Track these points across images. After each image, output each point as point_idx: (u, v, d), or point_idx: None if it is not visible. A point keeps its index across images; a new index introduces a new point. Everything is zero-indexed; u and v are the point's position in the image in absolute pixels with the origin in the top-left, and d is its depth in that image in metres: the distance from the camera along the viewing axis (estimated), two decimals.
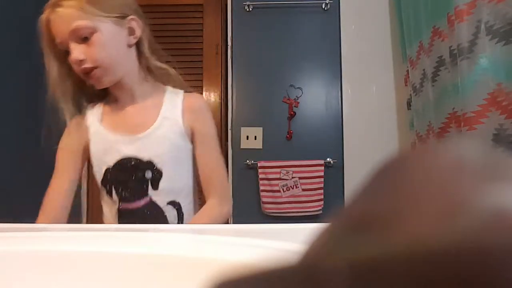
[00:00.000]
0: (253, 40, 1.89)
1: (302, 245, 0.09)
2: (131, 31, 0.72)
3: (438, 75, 1.40)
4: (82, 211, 1.87)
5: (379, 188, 0.09)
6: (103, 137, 0.75)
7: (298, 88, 1.86)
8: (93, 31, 0.66)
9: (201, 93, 1.94)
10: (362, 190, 0.09)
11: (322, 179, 1.75)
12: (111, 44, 0.69)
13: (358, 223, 0.08)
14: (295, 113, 1.84)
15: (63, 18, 0.66)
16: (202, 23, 1.97)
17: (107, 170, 0.74)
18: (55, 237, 0.41)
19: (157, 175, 0.74)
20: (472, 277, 0.06)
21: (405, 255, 0.07)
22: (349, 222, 0.09)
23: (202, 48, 1.96)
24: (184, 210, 0.76)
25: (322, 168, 1.76)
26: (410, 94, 1.67)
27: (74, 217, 1.85)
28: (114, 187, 0.75)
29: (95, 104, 0.78)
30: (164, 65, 0.79)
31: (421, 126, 1.55)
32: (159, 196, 0.74)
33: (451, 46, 1.27)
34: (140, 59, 0.76)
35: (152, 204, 0.74)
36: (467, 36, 1.14)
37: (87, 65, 0.67)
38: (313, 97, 1.86)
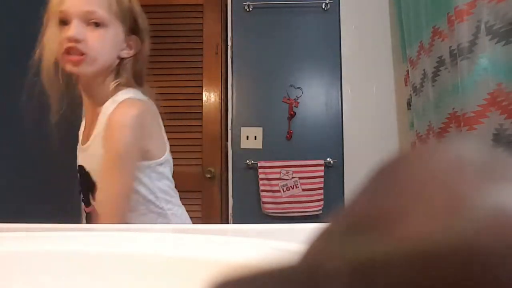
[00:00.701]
0: (253, 40, 1.89)
1: (302, 245, 0.09)
2: (129, 46, 0.74)
3: (438, 75, 1.40)
4: (82, 211, 1.87)
5: (379, 188, 0.09)
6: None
7: (298, 88, 1.86)
8: (105, 24, 0.67)
9: (201, 93, 1.94)
10: (362, 190, 0.09)
11: (322, 179, 1.75)
12: (110, 44, 0.70)
13: (358, 223, 0.08)
14: (295, 113, 1.84)
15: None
16: (202, 23, 1.97)
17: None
18: (55, 237, 0.41)
19: (93, 186, 0.74)
20: (472, 277, 0.06)
21: (405, 255, 0.07)
22: (349, 222, 0.09)
23: (202, 48, 1.96)
24: (131, 222, 0.72)
25: (322, 168, 1.76)
26: (410, 94, 1.67)
27: (74, 217, 1.85)
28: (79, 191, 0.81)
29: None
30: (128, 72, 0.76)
31: (421, 126, 1.55)
32: (98, 206, 0.74)
33: (451, 46, 1.27)
34: (119, 71, 0.74)
35: (96, 212, 0.75)
36: (467, 36, 1.14)
37: (80, 47, 0.66)
38: (313, 97, 1.86)
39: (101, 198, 0.71)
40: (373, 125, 1.82)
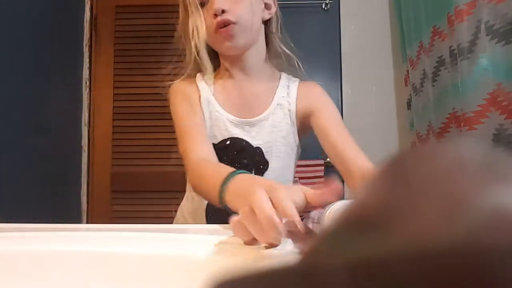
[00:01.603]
0: None
1: (302, 245, 0.08)
2: (267, 6, 0.71)
3: (438, 75, 1.40)
4: (82, 211, 1.87)
5: (379, 188, 0.09)
6: (213, 109, 0.70)
7: None
8: None
9: None
10: (361, 191, 0.09)
11: (322, 179, 1.75)
12: (254, 7, 0.67)
13: (358, 223, 0.08)
14: None
15: None
16: None
17: (213, 146, 0.68)
18: (55, 237, 0.41)
19: (264, 166, 0.68)
20: (472, 276, 0.06)
21: (405, 255, 0.07)
22: (349, 223, 0.09)
23: None
24: None
25: (322, 168, 1.76)
26: (410, 94, 1.67)
27: (74, 217, 1.85)
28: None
29: (208, 78, 0.73)
30: (289, 52, 0.76)
31: (421, 126, 1.55)
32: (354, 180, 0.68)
33: (451, 46, 1.27)
34: (267, 38, 0.73)
35: None
36: (467, 36, 1.14)
37: (228, 16, 0.63)
38: None
39: (349, 153, 0.67)
40: (373, 125, 1.82)
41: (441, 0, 1.33)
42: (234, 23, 0.64)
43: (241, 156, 0.67)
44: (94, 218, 1.89)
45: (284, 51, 0.75)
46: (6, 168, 1.32)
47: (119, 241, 0.38)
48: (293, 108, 0.70)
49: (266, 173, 0.68)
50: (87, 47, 1.93)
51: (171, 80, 0.76)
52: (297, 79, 0.75)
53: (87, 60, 1.92)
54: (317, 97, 0.72)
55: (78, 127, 1.87)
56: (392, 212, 0.08)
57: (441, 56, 1.37)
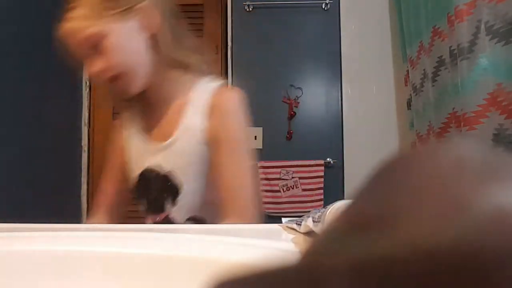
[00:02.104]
0: (253, 40, 1.89)
1: (302, 245, 0.08)
2: (145, 22, 0.62)
3: (438, 75, 1.40)
4: (82, 211, 1.87)
5: (379, 188, 0.09)
6: (134, 141, 0.71)
7: (298, 88, 1.86)
8: (100, 37, 0.59)
9: None
10: (362, 191, 0.09)
11: (322, 179, 1.75)
12: (124, 44, 0.61)
13: (358, 223, 0.08)
14: (295, 113, 1.84)
15: (70, 34, 0.60)
16: (202, 23, 1.97)
17: (133, 179, 0.71)
18: (55, 237, 0.41)
19: (176, 189, 0.66)
20: (472, 277, 0.06)
21: (405, 255, 0.07)
22: (349, 222, 0.09)
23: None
24: (209, 222, 0.69)
25: (322, 168, 1.76)
26: (410, 94, 1.67)
27: (74, 217, 1.85)
28: (138, 199, 0.71)
29: (133, 106, 0.73)
30: (189, 57, 0.68)
31: (421, 126, 1.55)
32: (178, 212, 0.67)
33: (451, 46, 1.27)
34: (160, 52, 0.64)
35: (169, 221, 0.67)
36: (467, 36, 1.14)
37: (107, 74, 0.60)
38: (313, 97, 1.86)
39: (231, 193, 0.60)
40: (373, 125, 1.82)
41: (441, 0, 1.33)
42: (116, 75, 0.61)
43: (154, 183, 0.67)
44: None
45: (179, 59, 0.67)
46: (6, 168, 1.32)
47: (119, 241, 0.38)
48: (203, 127, 0.64)
49: (180, 196, 0.66)
50: None
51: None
52: (214, 85, 0.67)
53: None
54: (223, 120, 0.64)
55: (78, 127, 1.87)
56: (392, 212, 0.08)
57: (441, 56, 1.37)
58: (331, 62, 1.86)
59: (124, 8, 0.60)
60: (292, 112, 1.83)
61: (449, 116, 1.33)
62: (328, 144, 1.83)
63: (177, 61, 0.67)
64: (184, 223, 0.67)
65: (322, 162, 1.77)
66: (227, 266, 0.33)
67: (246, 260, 0.34)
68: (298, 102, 1.85)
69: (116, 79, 0.61)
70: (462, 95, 1.17)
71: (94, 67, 0.60)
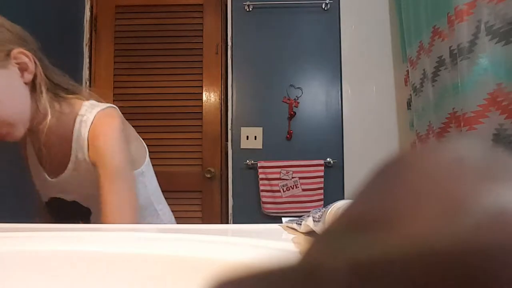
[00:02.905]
0: (253, 40, 1.89)
1: (302, 244, 0.08)
2: (23, 67, 0.61)
3: (438, 75, 1.40)
4: None
5: (379, 188, 0.09)
6: (36, 171, 0.73)
7: (298, 88, 1.86)
8: None
9: (201, 93, 1.94)
10: (362, 190, 0.09)
11: (322, 179, 1.75)
12: (3, 94, 0.58)
13: (358, 223, 0.08)
14: (295, 113, 1.84)
15: None
16: (202, 23, 1.97)
17: (45, 203, 0.74)
18: (55, 237, 0.41)
19: (85, 213, 0.70)
20: (472, 277, 0.06)
21: (405, 255, 0.07)
22: (349, 222, 0.09)
23: (202, 48, 1.96)
24: None
25: (322, 168, 1.76)
26: (410, 94, 1.67)
27: None
28: (54, 220, 0.74)
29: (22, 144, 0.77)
30: (69, 93, 0.69)
31: (421, 126, 1.55)
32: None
33: (451, 46, 1.27)
34: (38, 93, 0.63)
35: None
36: (467, 36, 1.14)
37: None
38: (313, 97, 1.86)
39: (113, 216, 0.61)
40: (373, 125, 1.82)
41: (441, 0, 1.33)
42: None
43: (63, 211, 0.71)
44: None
45: (62, 96, 0.67)
46: (6, 168, 1.32)
47: (119, 241, 0.38)
48: (86, 157, 0.66)
49: (92, 217, 0.69)
50: (87, 47, 1.93)
51: None
52: (92, 115, 0.66)
53: (87, 60, 1.93)
54: (96, 148, 0.65)
55: None
56: (392, 212, 0.08)
57: (441, 56, 1.37)
58: (331, 62, 1.86)
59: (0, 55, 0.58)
60: (292, 112, 1.83)
61: (449, 116, 1.33)
62: (328, 144, 1.83)
63: (55, 97, 0.66)
64: None
65: (322, 162, 1.77)
66: (227, 266, 0.33)
67: (246, 260, 0.34)
68: (298, 102, 1.85)
69: None
70: (462, 95, 1.17)
71: None
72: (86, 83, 1.92)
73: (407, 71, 1.70)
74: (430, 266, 0.06)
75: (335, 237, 0.08)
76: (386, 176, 0.09)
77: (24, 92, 0.61)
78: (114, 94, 1.94)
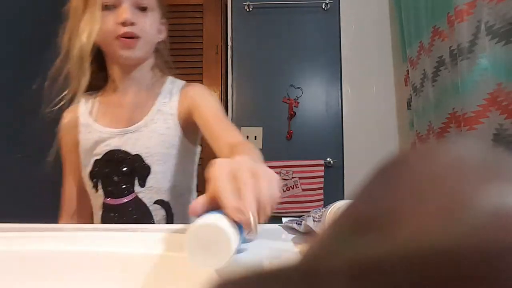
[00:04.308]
0: (253, 40, 1.89)
1: (301, 245, 0.08)
2: (159, 31, 0.75)
3: (438, 75, 1.40)
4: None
5: (379, 188, 0.09)
6: (92, 129, 0.73)
7: (298, 88, 1.86)
8: (151, 9, 0.70)
9: None
10: (362, 190, 0.09)
11: (322, 179, 1.75)
12: (155, 28, 0.72)
13: (357, 223, 0.08)
14: (295, 113, 1.84)
15: None
16: (202, 23, 1.97)
17: (95, 162, 0.72)
18: (55, 237, 0.41)
19: (145, 171, 0.70)
20: (472, 276, 0.06)
21: (405, 255, 0.07)
22: (349, 223, 0.09)
23: (202, 48, 1.96)
24: (175, 211, 0.72)
25: (322, 168, 1.76)
26: (410, 94, 1.67)
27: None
28: (101, 181, 0.71)
29: (89, 95, 0.76)
30: (170, 68, 0.81)
31: (421, 126, 1.55)
32: (146, 194, 0.70)
33: (451, 46, 1.27)
34: (158, 52, 0.78)
35: (137, 202, 0.70)
36: (467, 36, 1.14)
37: (135, 30, 0.67)
38: (313, 97, 1.86)
39: (236, 144, 0.61)
40: (373, 125, 1.82)
41: (441, 0, 1.33)
42: (139, 37, 0.68)
43: (121, 165, 0.70)
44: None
45: (166, 67, 0.80)
46: (6, 168, 1.32)
47: (119, 241, 0.38)
48: (174, 111, 0.72)
49: (149, 177, 0.70)
50: None
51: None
52: (182, 83, 0.78)
53: None
54: (196, 94, 0.73)
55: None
56: (392, 212, 0.08)
57: (441, 56, 1.37)
58: (331, 62, 1.86)
59: (163, 12, 0.74)
60: (292, 112, 1.83)
61: (449, 116, 1.33)
62: (328, 144, 1.83)
63: (162, 66, 0.78)
64: (151, 205, 0.70)
65: (322, 162, 1.77)
66: (227, 266, 0.33)
67: (247, 260, 0.34)
68: (298, 102, 1.85)
69: (134, 38, 0.68)
70: (462, 95, 1.17)
71: (129, 15, 0.66)
72: None
73: (407, 71, 1.70)
74: (431, 266, 0.06)
75: (335, 237, 0.08)
76: (386, 176, 0.09)
77: (155, 40, 0.74)
78: None
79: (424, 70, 1.50)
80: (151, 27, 0.70)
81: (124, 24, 0.66)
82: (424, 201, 0.07)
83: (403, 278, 0.06)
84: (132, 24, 0.66)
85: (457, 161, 0.08)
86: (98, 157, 0.71)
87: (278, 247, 0.37)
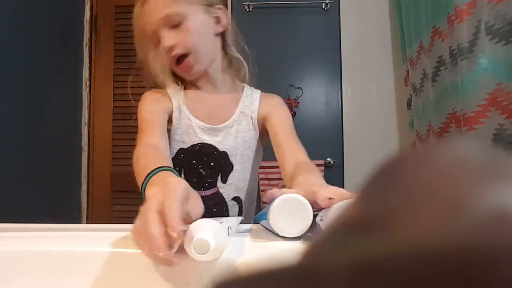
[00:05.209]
0: (253, 40, 1.88)
1: (302, 245, 0.08)
2: (218, 20, 0.72)
3: (438, 75, 1.40)
4: (82, 211, 1.87)
5: (379, 188, 0.09)
6: (184, 116, 0.73)
7: (298, 88, 1.86)
8: (183, 18, 0.66)
9: None
10: (362, 191, 0.09)
11: None
12: (200, 30, 0.69)
13: (357, 223, 0.08)
14: (295, 113, 1.84)
15: (155, 6, 0.66)
16: None
17: (180, 150, 0.73)
18: (56, 237, 0.41)
19: (229, 168, 0.73)
20: (471, 277, 0.06)
21: (405, 255, 0.07)
22: (349, 222, 0.09)
23: None
24: (244, 208, 0.76)
25: (322, 168, 1.76)
26: (410, 94, 1.67)
27: (74, 217, 1.85)
28: (184, 171, 0.73)
29: (176, 87, 0.76)
30: (241, 58, 0.80)
31: (421, 126, 1.55)
32: (226, 190, 0.73)
33: (451, 46, 1.27)
34: (225, 49, 0.76)
35: (218, 196, 0.73)
36: (467, 36, 1.14)
37: (178, 51, 0.67)
38: (313, 97, 1.86)
39: (301, 161, 0.65)
40: (373, 125, 1.82)
41: (441, 0, 1.33)
42: (187, 55, 0.67)
43: (209, 159, 0.73)
44: (94, 218, 1.89)
45: (235, 57, 0.79)
46: (6, 168, 1.32)
47: (119, 241, 0.38)
48: (255, 115, 0.75)
49: (231, 174, 0.74)
50: (87, 47, 1.93)
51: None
52: (259, 91, 0.82)
53: (87, 60, 1.93)
54: (275, 105, 0.77)
55: (78, 127, 1.87)
56: (392, 212, 0.08)
57: (441, 56, 1.37)
58: (331, 62, 1.86)
59: (205, 3, 0.70)
60: (292, 112, 1.83)
61: (449, 116, 1.33)
62: (328, 144, 1.83)
63: (234, 62, 0.78)
64: (229, 201, 0.74)
65: (322, 162, 1.77)
66: (227, 267, 0.33)
67: (246, 260, 0.34)
68: (298, 102, 1.85)
69: (184, 57, 0.68)
70: (462, 95, 1.17)
71: (168, 42, 0.66)
72: (86, 83, 1.92)
73: (407, 71, 1.70)
74: (431, 266, 0.06)
75: (335, 237, 0.08)
76: (386, 176, 0.09)
77: (213, 39, 0.72)
78: (114, 94, 1.94)
79: (424, 70, 1.50)
80: (196, 36, 0.68)
81: (169, 52, 0.67)
82: (424, 201, 0.07)
83: (403, 278, 0.06)
84: (171, 48, 0.66)
85: (457, 161, 0.08)
86: (184, 146, 0.73)
87: (278, 247, 0.37)
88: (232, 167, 0.73)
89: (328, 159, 1.79)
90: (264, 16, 1.89)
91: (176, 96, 0.74)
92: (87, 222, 1.88)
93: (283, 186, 0.61)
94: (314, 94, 1.86)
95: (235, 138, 0.74)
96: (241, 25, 1.98)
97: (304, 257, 0.08)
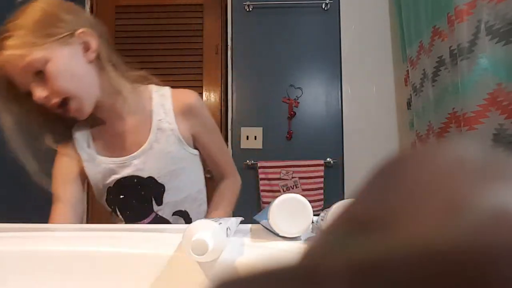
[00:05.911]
0: (253, 40, 1.89)
1: (302, 245, 0.08)
2: (86, 46, 0.63)
3: (438, 75, 1.40)
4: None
5: (379, 188, 0.09)
6: (97, 162, 0.70)
7: (298, 88, 1.86)
8: (44, 62, 0.57)
9: (201, 93, 1.94)
10: (361, 190, 0.09)
11: (322, 179, 1.75)
12: (69, 70, 0.60)
13: (357, 223, 0.08)
14: (295, 113, 1.84)
15: (10, 61, 0.57)
16: (202, 23, 1.97)
17: (109, 189, 0.71)
18: (55, 237, 0.41)
19: (160, 190, 0.70)
20: (471, 277, 0.06)
21: (406, 255, 0.07)
22: (348, 222, 0.09)
23: (202, 48, 1.96)
24: (192, 214, 0.75)
25: (322, 168, 1.76)
26: (410, 94, 1.67)
27: None
28: (118, 207, 0.72)
29: (81, 129, 0.71)
30: (136, 71, 0.73)
31: (421, 126, 1.55)
32: (164, 210, 0.72)
33: (451, 46, 1.27)
34: (105, 70, 0.66)
35: (158, 219, 0.72)
36: (467, 36, 1.14)
37: (55, 99, 0.59)
38: (313, 97, 1.86)
39: (222, 165, 0.79)
40: (373, 125, 1.82)
41: (441, 0, 1.33)
42: (65, 99, 0.60)
43: (136, 189, 0.70)
44: (94, 218, 1.89)
45: (130, 74, 0.71)
46: (6, 167, 1.32)
47: (119, 241, 0.38)
48: (174, 126, 0.70)
49: (164, 195, 0.71)
50: None
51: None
52: (167, 90, 0.73)
53: None
54: (194, 119, 0.73)
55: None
56: (392, 212, 0.08)
57: (441, 56, 1.37)
58: (331, 62, 1.86)
59: (65, 34, 0.59)
60: (292, 112, 1.83)
61: (449, 116, 1.33)
62: (328, 144, 1.83)
63: (123, 76, 0.68)
64: (171, 218, 0.73)
65: (322, 162, 1.77)
66: (227, 267, 0.33)
67: (246, 260, 0.34)
68: (298, 102, 1.85)
69: (64, 104, 0.61)
70: (462, 95, 1.17)
71: (39, 94, 0.58)
72: None
73: (407, 71, 1.70)
74: (431, 266, 0.06)
75: (334, 237, 0.08)
76: (386, 176, 0.09)
77: (89, 69, 0.63)
78: None
79: (424, 70, 1.50)
80: (64, 79, 0.59)
81: (47, 102, 0.59)
82: (424, 201, 0.07)
83: (403, 278, 0.06)
84: (47, 97, 0.58)
85: (457, 161, 0.08)
86: (111, 184, 0.71)
87: (278, 247, 0.38)
88: (164, 187, 0.70)
89: (328, 159, 1.79)
90: (264, 16, 1.89)
91: (83, 145, 0.70)
92: (87, 222, 1.88)
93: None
94: (314, 94, 1.86)
95: (157, 159, 0.69)
96: (241, 25, 1.98)
97: (304, 257, 0.08)
